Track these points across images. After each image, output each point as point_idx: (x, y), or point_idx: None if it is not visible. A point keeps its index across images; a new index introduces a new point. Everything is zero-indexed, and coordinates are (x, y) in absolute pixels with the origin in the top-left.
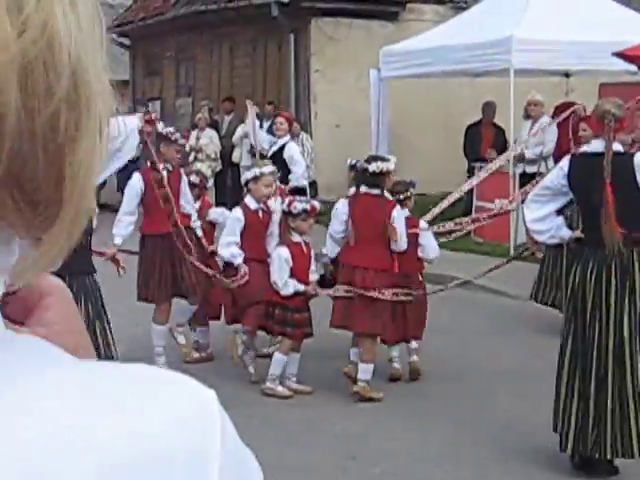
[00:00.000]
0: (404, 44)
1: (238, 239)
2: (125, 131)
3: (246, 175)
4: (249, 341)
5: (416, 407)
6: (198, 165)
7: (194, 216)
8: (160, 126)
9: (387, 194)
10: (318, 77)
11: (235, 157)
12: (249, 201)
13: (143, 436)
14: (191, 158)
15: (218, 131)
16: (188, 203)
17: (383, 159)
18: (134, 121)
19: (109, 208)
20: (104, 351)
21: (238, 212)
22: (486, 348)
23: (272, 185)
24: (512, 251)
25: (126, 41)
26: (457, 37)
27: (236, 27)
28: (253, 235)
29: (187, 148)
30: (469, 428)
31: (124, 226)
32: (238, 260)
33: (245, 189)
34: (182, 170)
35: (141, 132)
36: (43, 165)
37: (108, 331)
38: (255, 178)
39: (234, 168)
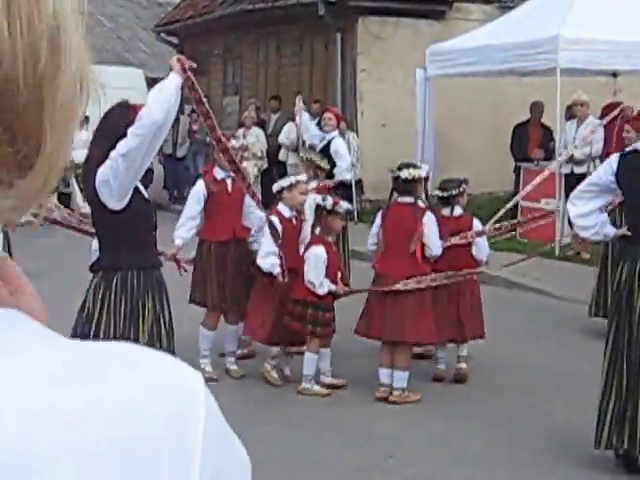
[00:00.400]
0: (451, 43)
1: (276, 248)
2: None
3: (280, 183)
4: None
5: (453, 407)
6: (244, 164)
7: (253, 231)
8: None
9: (420, 202)
10: (364, 76)
11: (282, 155)
12: (282, 209)
13: (124, 401)
14: (237, 157)
15: (265, 130)
16: (249, 216)
17: (415, 166)
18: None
19: (157, 207)
20: (167, 344)
21: (275, 221)
22: (527, 348)
23: (307, 192)
24: (557, 251)
25: (174, 40)
26: (504, 36)
27: (283, 26)
28: (286, 243)
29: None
30: (505, 429)
31: (186, 230)
32: (277, 270)
33: (278, 196)
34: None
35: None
36: (23, 92)
37: (170, 325)
38: (290, 186)
39: (280, 166)
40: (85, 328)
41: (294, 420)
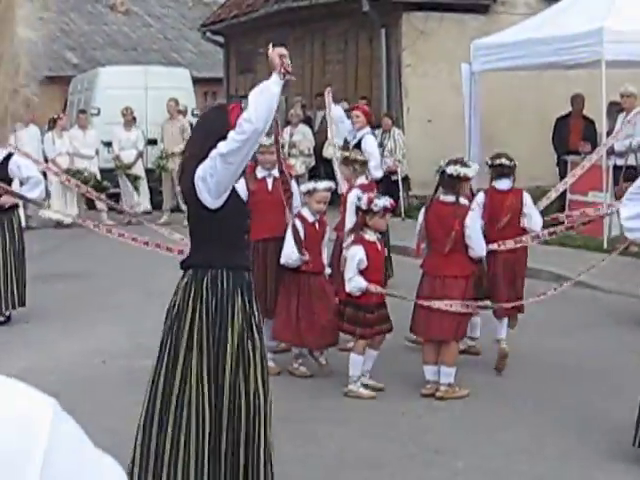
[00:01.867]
0: (495, 37)
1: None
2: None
3: (301, 188)
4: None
5: (499, 401)
6: (292, 161)
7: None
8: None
9: (463, 200)
10: (410, 72)
11: (327, 153)
12: (306, 213)
13: None
14: (285, 154)
15: (311, 127)
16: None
17: (463, 163)
18: None
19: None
20: (259, 345)
21: (298, 225)
22: (575, 342)
23: (326, 201)
24: (605, 245)
25: (220, 39)
26: (548, 29)
27: (327, 22)
28: (309, 247)
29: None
30: (552, 422)
31: None
32: (295, 256)
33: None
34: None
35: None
36: None
37: (259, 327)
38: (308, 192)
39: (328, 163)
40: (175, 325)
41: (338, 417)
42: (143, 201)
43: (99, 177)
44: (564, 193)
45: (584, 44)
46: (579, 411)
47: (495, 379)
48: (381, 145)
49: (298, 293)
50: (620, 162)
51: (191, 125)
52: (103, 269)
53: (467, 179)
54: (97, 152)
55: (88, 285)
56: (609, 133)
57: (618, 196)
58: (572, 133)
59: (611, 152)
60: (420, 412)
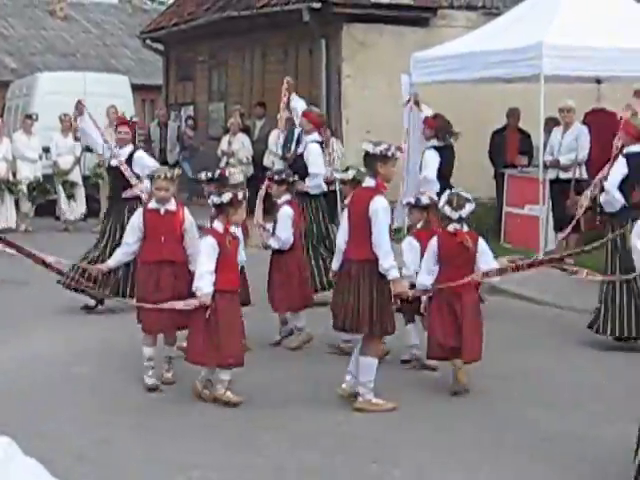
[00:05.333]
0: (435, 50)
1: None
2: None
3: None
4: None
5: (436, 411)
6: (231, 170)
7: None
8: None
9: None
10: (349, 83)
11: (267, 162)
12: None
13: None
14: (223, 163)
15: (250, 136)
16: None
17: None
18: None
19: None
20: None
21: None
22: (516, 356)
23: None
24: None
25: (160, 46)
26: (488, 43)
27: (268, 32)
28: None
29: (219, 153)
30: (491, 432)
31: None
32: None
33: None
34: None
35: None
36: None
37: None
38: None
39: (266, 172)
40: None
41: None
42: (79, 208)
43: (41, 181)
44: (501, 205)
45: (524, 58)
46: (519, 426)
47: (431, 388)
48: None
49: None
50: (564, 175)
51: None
52: (38, 276)
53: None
54: (40, 157)
55: (25, 292)
56: (545, 146)
57: (571, 209)
58: (509, 146)
59: (556, 165)
60: (361, 421)
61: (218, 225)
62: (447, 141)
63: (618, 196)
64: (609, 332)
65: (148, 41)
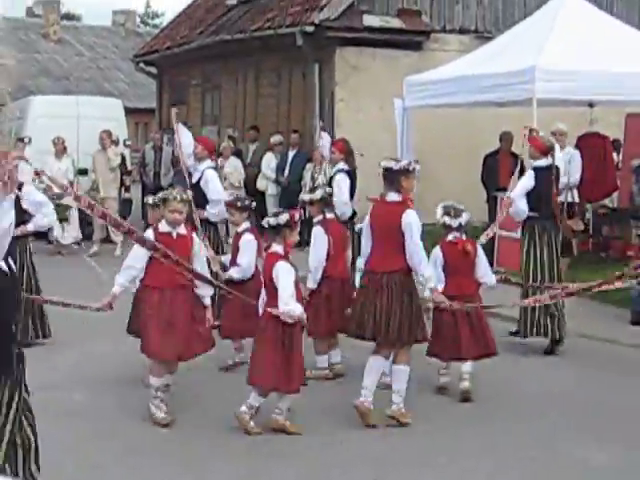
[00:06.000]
0: (428, 74)
1: None
2: None
3: None
4: None
5: (443, 428)
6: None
7: None
8: None
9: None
10: (342, 106)
11: (260, 185)
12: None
13: None
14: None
15: (242, 159)
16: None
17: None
18: None
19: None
20: None
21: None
22: (521, 373)
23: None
24: None
25: (153, 70)
26: (481, 67)
27: (261, 56)
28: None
29: None
30: (494, 452)
31: None
32: None
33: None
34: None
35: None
36: None
37: None
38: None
39: (259, 196)
40: None
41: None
42: (72, 232)
43: None
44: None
45: (516, 82)
46: (520, 441)
47: (438, 405)
48: (312, 179)
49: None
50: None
51: (122, 155)
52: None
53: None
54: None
55: None
56: None
57: (564, 232)
58: (501, 170)
59: None
60: (366, 440)
61: (278, 248)
62: (353, 165)
63: (522, 206)
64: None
65: (141, 64)
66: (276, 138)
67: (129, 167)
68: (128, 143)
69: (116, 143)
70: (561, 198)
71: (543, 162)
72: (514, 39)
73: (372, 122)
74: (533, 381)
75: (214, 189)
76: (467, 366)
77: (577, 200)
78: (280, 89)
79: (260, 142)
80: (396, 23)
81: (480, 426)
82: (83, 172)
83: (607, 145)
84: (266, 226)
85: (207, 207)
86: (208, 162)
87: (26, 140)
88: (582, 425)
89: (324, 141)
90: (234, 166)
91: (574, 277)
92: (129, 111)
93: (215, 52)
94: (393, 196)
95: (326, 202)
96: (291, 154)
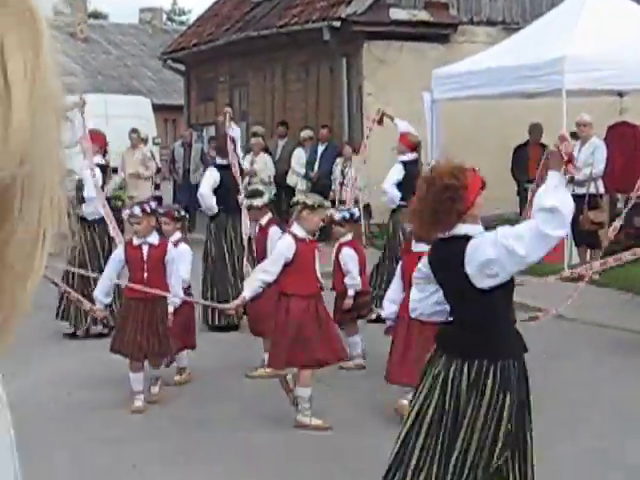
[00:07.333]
0: (456, 66)
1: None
2: None
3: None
4: None
5: None
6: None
7: None
8: None
9: None
10: (371, 100)
11: (291, 181)
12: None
13: None
14: (245, 182)
15: (272, 155)
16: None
17: None
18: None
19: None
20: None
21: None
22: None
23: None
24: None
25: (181, 67)
26: (509, 58)
27: (288, 51)
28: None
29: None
30: None
31: None
32: None
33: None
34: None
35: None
36: None
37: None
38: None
39: (289, 191)
40: None
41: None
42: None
43: None
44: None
45: (545, 73)
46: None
47: None
48: (342, 173)
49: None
50: (580, 191)
51: (152, 154)
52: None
53: None
54: None
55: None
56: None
57: (584, 225)
58: (531, 162)
59: (571, 180)
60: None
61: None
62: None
63: (394, 194)
64: None
65: (169, 62)
66: (306, 133)
67: (159, 165)
68: (157, 141)
69: (145, 142)
70: (583, 190)
71: (411, 156)
72: (542, 30)
73: (401, 115)
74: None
75: (89, 187)
76: None
77: (602, 191)
78: (308, 84)
79: (289, 137)
80: (423, 16)
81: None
82: (113, 171)
83: (637, 134)
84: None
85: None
86: (98, 158)
87: None
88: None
89: (235, 132)
90: (264, 162)
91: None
92: (157, 108)
93: (242, 48)
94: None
95: (270, 208)
96: (320, 149)
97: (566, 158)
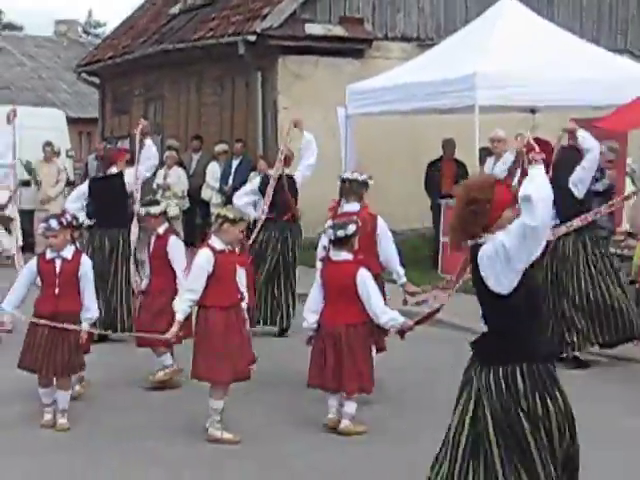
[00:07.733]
0: (370, 81)
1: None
2: None
3: None
4: None
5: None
6: (165, 203)
7: None
8: None
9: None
10: (286, 115)
11: (205, 195)
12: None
13: None
14: (158, 196)
15: (186, 169)
16: None
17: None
18: None
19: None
20: None
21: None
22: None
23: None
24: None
25: (95, 80)
26: (422, 74)
27: (204, 65)
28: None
29: (154, 186)
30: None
31: None
32: None
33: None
34: None
35: None
36: None
37: None
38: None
39: (203, 206)
40: None
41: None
42: (14, 243)
43: None
44: (438, 236)
45: (458, 89)
46: None
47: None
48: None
49: None
50: None
51: (64, 167)
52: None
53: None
54: None
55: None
56: None
57: None
58: (445, 177)
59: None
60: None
61: (348, 256)
62: None
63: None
64: None
65: (84, 74)
66: (220, 147)
67: (72, 178)
68: (71, 154)
69: (58, 154)
70: None
71: None
72: (455, 46)
73: (316, 130)
74: None
75: None
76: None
77: None
78: (223, 98)
79: (203, 151)
80: (338, 31)
81: None
82: (26, 183)
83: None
84: (332, 238)
85: None
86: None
87: None
88: None
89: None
90: (178, 176)
91: None
92: (72, 121)
93: (157, 62)
94: (354, 206)
95: (167, 218)
96: (235, 163)
97: (525, 149)
